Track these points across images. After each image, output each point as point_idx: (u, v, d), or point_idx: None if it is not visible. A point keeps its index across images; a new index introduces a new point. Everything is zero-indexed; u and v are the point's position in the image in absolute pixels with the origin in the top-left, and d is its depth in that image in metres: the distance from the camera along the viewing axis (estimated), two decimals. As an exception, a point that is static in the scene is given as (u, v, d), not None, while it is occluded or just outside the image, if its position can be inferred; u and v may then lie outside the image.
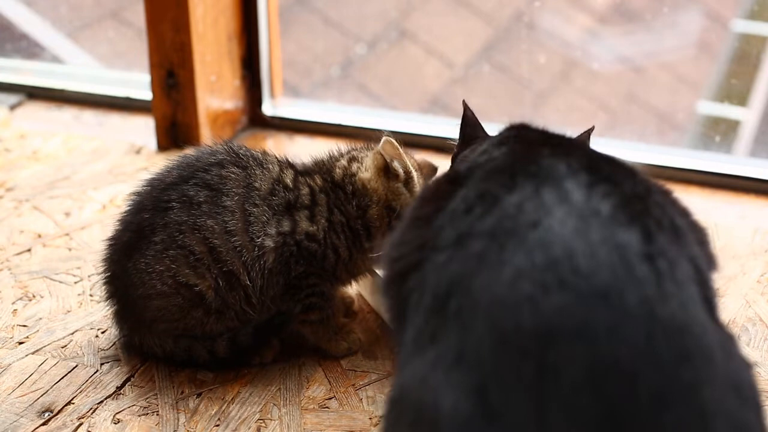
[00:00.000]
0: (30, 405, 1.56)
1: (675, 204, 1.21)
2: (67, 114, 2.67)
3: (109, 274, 1.64)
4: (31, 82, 2.77)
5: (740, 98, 3.51)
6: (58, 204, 2.19)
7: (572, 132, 1.50)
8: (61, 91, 2.73)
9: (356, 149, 1.73)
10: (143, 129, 2.54)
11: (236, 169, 1.60)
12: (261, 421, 1.53)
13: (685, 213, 1.21)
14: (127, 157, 2.42)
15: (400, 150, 1.63)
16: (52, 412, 1.55)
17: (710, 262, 1.19)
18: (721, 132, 3.42)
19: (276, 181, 1.62)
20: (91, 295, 1.84)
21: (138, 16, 2.61)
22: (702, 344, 0.98)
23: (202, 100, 2.39)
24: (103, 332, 1.74)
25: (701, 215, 1.28)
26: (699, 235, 1.20)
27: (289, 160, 1.70)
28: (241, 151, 1.64)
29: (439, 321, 1.03)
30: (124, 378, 1.62)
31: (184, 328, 1.60)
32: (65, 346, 1.70)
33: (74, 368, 1.65)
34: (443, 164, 1.68)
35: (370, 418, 1.53)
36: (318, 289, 1.63)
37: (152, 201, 1.60)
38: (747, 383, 1.02)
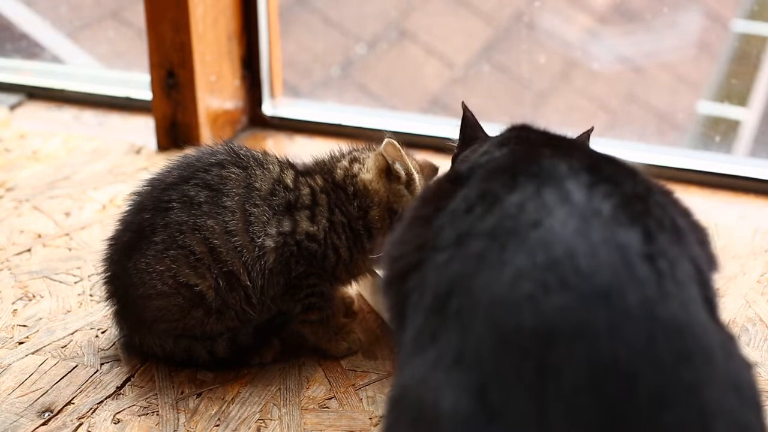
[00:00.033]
0: (30, 405, 1.56)
1: (676, 204, 1.21)
2: (67, 114, 2.67)
3: (109, 274, 1.64)
4: (31, 82, 2.77)
5: (740, 98, 3.51)
6: (58, 204, 2.19)
7: (572, 132, 1.50)
8: (61, 91, 2.73)
9: (358, 150, 1.73)
10: (143, 129, 2.54)
11: (237, 170, 1.60)
12: (261, 421, 1.53)
13: (686, 213, 1.21)
14: (127, 157, 2.42)
15: (402, 152, 1.63)
16: (52, 412, 1.55)
17: (711, 263, 1.19)
18: (721, 132, 3.42)
19: (276, 182, 1.62)
20: (91, 295, 1.84)
21: (138, 16, 2.61)
22: (702, 344, 0.98)
23: (202, 100, 2.39)
24: (103, 332, 1.74)
25: (701, 215, 1.28)
26: (700, 235, 1.20)
27: (290, 160, 1.70)
28: (242, 152, 1.64)
29: (440, 321, 1.03)
30: (124, 378, 1.62)
31: (184, 328, 1.60)
32: (65, 346, 1.70)
33: (74, 368, 1.65)
34: (443, 164, 1.68)
35: (370, 418, 1.53)
36: (318, 289, 1.63)
37: (153, 201, 1.60)
38: (747, 383, 1.02)
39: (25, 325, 1.76)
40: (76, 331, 1.74)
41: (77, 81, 2.77)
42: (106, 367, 1.65)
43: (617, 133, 3.53)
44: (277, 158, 1.68)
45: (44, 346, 1.70)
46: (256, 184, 1.60)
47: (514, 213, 1.06)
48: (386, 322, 1.73)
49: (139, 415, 1.54)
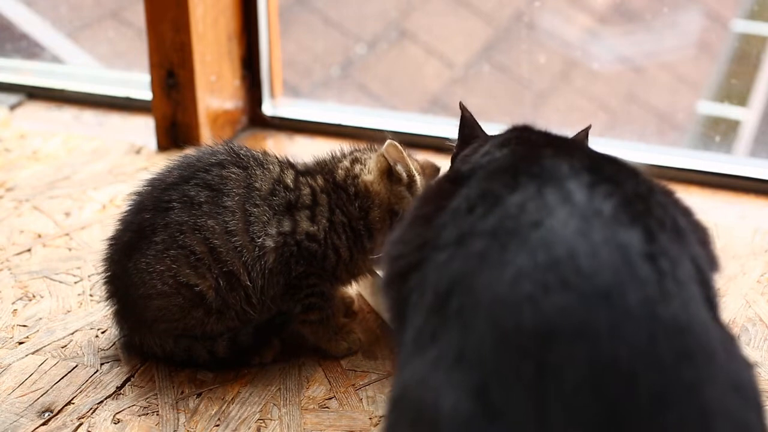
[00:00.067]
0: (30, 405, 1.56)
1: (677, 204, 1.21)
2: (67, 114, 2.67)
3: (109, 273, 1.64)
4: (31, 82, 2.77)
5: (740, 98, 3.51)
6: (58, 204, 2.19)
7: (571, 131, 1.50)
8: (61, 91, 2.73)
9: (359, 150, 1.73)
10: (143, 129, 2.54)
11: (237, 170, 1.60)
12: (261, 421, 1.53)
13: (687, 213, 1.21)
14: (127, 157, 2.42)
15: (404, 153, 1.63)
16: (52, 412, 1.55)
17: (712, 263, 1.19)
18: (721, 132, 3.42)
19: (277, 182, 1.62)
20: (91, 295, 1.84)
21: (138, 16, 2.61)
22: (703, 344, 0.98)
23: (202, 100, 2.39)
24: (103, 332, 1.74)
25: (701, 215, 1.28)
26: (701, 234, 1.20)
27: (290, 160, 1.70)
28: (242, 152, 1.64)
29: (440, 320, 1.03)
30: (124, 378, 1.62)
31: (185, 328, 1.60)
32: (65, 346, 1.70)
33: (74, 368, 1.65)
34: (443, 164, 1.68)
35: (370, 418, 1.53)
36: (318, 289, 1.63)
37: (153, 201, 1.60)
38: (748, 383, 1.02)
39: (25, 325, 1.76)
40: (76, 331, 1.74)
41: (77, 81, 2.77)
42: (106, 367, 1.65)
43: (617, 133, 3.53)
44: (277, 158, 1.68)
45: (44, 346, 1.70)
46: (257, 184, 1.60)
47: (515, 213, 1.06)
48: (386, 322, 1.73)
49: (139, 415, 1.54)
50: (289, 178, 1.63)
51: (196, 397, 1.58)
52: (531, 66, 3.70)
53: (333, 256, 1.62)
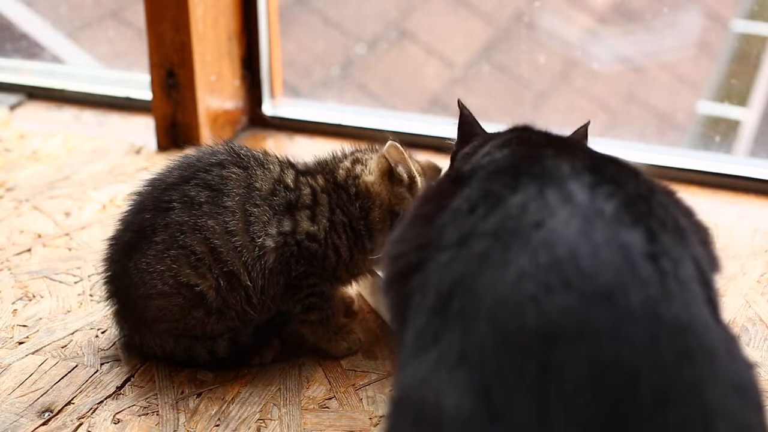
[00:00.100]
0: (30, 405, 1.56)
1: (678, 204, 1.21)
2: (67, 114, 2.67)
3: (109, 273, 1.64)
4: (31, 82, 2.77)
5: (740, 98, 3.51)
6: (58, 204, 2.19)
7: (570, 131, 1.50)
8: (61, 91, 2.73)
9: (360, 151, 1.73)
10: (143, 129, 2.54)
11: (237, 170, 1.60)
12: (261, 421, 1.53)
13: (688, 213, 1.21)
14: (127, 157, 2.42)
15: (405, 154, 1.63)
16: (52, 412, 1.55)
17: (713, 263, 1.19)
18: (721, 132, 3.42)
19: (277, 181, 1.62)
20: (91, 295, 1.84)
21: (138, 16, 2.61)
22: (705, 344, 0.98)
23: (202, 100, 2.39)
24: (103, 332, 1.74)
25: (702, 215, 1.28)
26: (702, 235, 1.20)
27: (290, 160, 1.70)
28: (242, 152, 1.64)
29: (442, 321, 1.03)
30: (124, 378, 1.62)
31: (185, 328, 1.60)
32: (65, 346, 1.70)
33: (74, 368, 1.65)
34: (444, 164, 1.68)
35: (370, 418, 1.53)
36: (318, 289, 1.63)
37: (153, 201, 1.60)
38: (749, 383, 1.02)
39: (25, 325, 1.76)
40: (76, 331, 1.74)
41: (77, 81, 2.76)
42: (106, 367, 1.65)
43: (617, 133, 3.53)
44: (277, 158, 1.68)
45: (44, 346, 1.70)
46: (257, 184, 1.60)
47: (516, 213, 1.06)
48: (386, 322, 1.73)
49: (139, 415, 1.54)
50: (289, 178, 1.63)
51: (196, 397, 1.58)
52: (531, 66, 3.70)
53: (333, 256, 1.62)
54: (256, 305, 1.59)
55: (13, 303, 1.83)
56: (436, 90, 3.83)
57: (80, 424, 1.52)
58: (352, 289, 1.82)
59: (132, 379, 1.62)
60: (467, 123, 1.54)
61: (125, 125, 2.61)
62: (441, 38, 3.99)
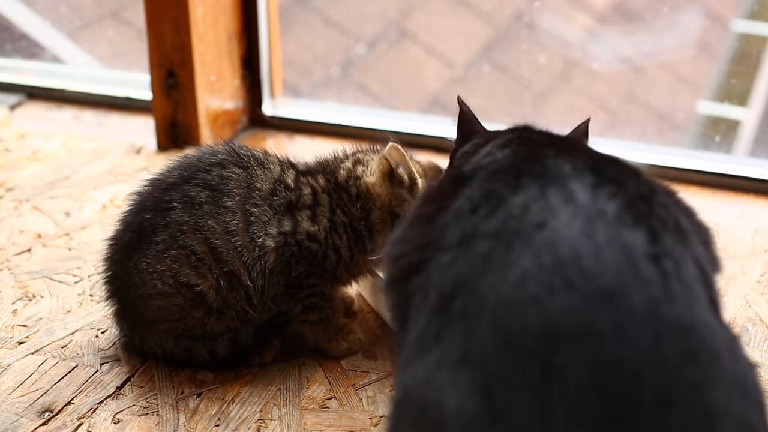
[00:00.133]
0: (30, 405, 1.56)
1: (679, 204, 1.21)
2: (67, 114, 2.67)
3: (109, 273, 1.64)
4: (31, 82, 2.77)
5: (740, 98, 3.51)
6: (58, 204, 2.19)
7: (570, 129, 1.50)
8: (61, 91, 2.73)
9: (361, 151, 1.73)
10: (143, 129, 2.54)
11: (237, 170, 1.60)
12: (261, 421, 1.53)
13: (689, 213, 1.21)
14: (127, 157, 2.42)
15: (406, 156, 1.63)
16: (52, 412, 1.55)
17: (714, 263, 1.19)
18: (721, 132, 3.41)
19: (277, 181, 1.62)
20: (91, 295, 1.84)
21: (138, 16, 2.61)
22: (707, 344, 0.98)
23: (202, 100, 2.39)
24: (103, 332, 1.74)
25: (702, 215, 1.28)
26: (703, 235, 1.20)
27: (291, 160, 1.70)
28: (242, 152, 1.64)
29: (443, 321, 1.03)
30: (124, 378, 1.62)
31: (185, 328, 1.60)
32: (65, 346, 1.70)
33: (74, 368, 1.65)
34: (444, 164, 1.68)
35: (370, 418, 1.53)
36: (318, 290, 1.63)
37: (153, 201, 1.60)
38: (751, 383, 1.02)
39: (25, 325, 1.76)
40: (76, 331, 1.74)
41: (77, 81, 2.76)
42: (106, 367, 1.65)
43: (617, 133, 3.53)
44: (277, 158, 1.68)
45: (44, 346, 1.70)
46: (257, 184, 1.60)
47: (518, 214, 1.06)
48: (386, 322, 1.73)
49: (139, 415, 1.54)
50: (289, 178, 1.63)
51: (196, 397, 1.58)
52: (531, 66, 3.70)
53: (333, 256, 1.62)
54: (257, 305, 1.59)
55: (13, 303, 1.83)
56: (436, 90, 3.83)
57: (80, 424, 1.52)
58: (352, 289, 1.82)
59: (132, 379, 1.62)
60: (467, 120, 1.54)
61: (125, 125, 2.61)
62: (441, 38, 3.99)
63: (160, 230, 1.57)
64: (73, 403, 1.57)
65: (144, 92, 2.60)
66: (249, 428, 1.51)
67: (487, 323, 0.98)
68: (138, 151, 2.44)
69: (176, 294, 1.57)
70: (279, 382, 1.61)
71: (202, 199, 1.57)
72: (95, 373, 1.64)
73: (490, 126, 1.54)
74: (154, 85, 2.40)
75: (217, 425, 1.52)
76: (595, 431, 0.91)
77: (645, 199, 1.11)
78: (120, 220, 1.65)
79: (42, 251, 2.00)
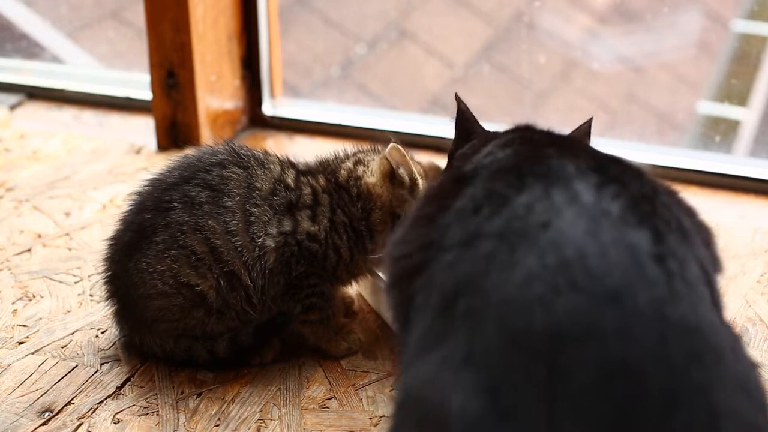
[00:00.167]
0: (30, 405, 1.56)
1: (681, 204, 1.20)
2: (67, 114, 2.67)
3: (109, 273, 1.64)
4: (31, 82, 2.77)
5: (740, 98, 3.51)
6: (58, 204, 2.19)
7: (572, 129, 1.50)
8: (61, 91, 2.73)
9: (362, 152, 1.73)
10: (143, 129, 2.54)
11: (237, 170, 1.60)
12: (261, 421, 1.53)
13: (690, 213, 1.21)
14: (127, 157, 2.42)
15: (407, 156, 1.63)
16: (52, 412, 1.55)
17: (715, 263, 1.19)
18: (721, 132, 3.41)
19: (277, 181, 1.62)
20: (91, 295, 1.84)
21: (138, 16, 2.61)
22: (712, 345, 0.98)
23: (202, 100, 2.39)
24: (103, 332, 1.74)
25: (703, 216, 1.27)
26: (705, 235, 1.20)
27: (291, 159, 1.70)
28: (243, 152, 1.64)
29: (447, 321, 1.03)
30: (124, 378, 1.62)
31: (185, 328, 1.60)
32: (65, 346, 1.70)
33: (74, 368, 1.65)
34: (444, 164, 1.68)
35: (370, 418, 1.53)
36: (318, 290, 1.63)
37: (153, 201, 1.60)
38: (753, 383, 1.02)
39: (25, 325, 1.76)
40: (76, 331, 1.74)
41: (77, 81, 2.76)
42: (106, 367, 1.65)
43: (617, 133, 3.53)
44: (278, 158, 1.68)
45: (44, 346, 1.70)
46: (257, 184, 1.60)
47: (522, 214, 1.06)
48: (386, 322, 1.73)
49: (139, 415, 1.54)
50: (290, 178, 1.63)
51: (196, 397, 1.58)
52: (531, 66, 3.70)
53: (333, 256, 1.62)
54: (257, 305, 1.59)
55: (13, 303, 1.83)
56: (436, 90, 3.83)
57: (80, 424, 1.52)
58: (352, 289, 1.82)
59: (132, 379, 1.62)
60: (465, 119, 1.53)
61: (125, 125, 2.61)
62: (441, 38, 3.99)
63: (160, 230, 1.57)
64: (73, 403, 1.56)
65: (144, 92, 2.60)
66: (249, 428, 1.51)
67: (491, 323, 0.98)
68: (138, 151, 2.44)
69: (176, 294, 1.57)
70: (279, 382, 1.61)
71: (203, 199, 1.57)
72: (95, 373, 1.64)
73: (490, 126, 1.54)
74: (154, 85, 2.40)
75: (217, 425, 1.52)
76: (600, 431, 0.91)
77: (648, 199, 1.11)
78: (120, 220, 1.65)
79: (42, 251, 2.00)
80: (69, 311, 1.80)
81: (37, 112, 2.68)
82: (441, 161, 1.75)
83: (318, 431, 1.50)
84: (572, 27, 3.97)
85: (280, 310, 1.63)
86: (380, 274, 1.71)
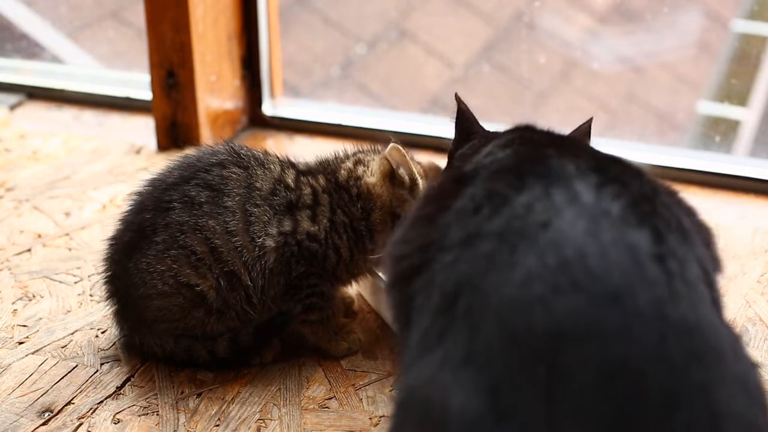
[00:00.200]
0: (30, 405, 1.56)
1: (681, 204, 1.20)
2: (67, 114, 2.67)
3: (109, 273, 1.64)
4: (31, 82, 2.77)
5: (740, 98, 3.51)
6: (58, 204, 2.19)
7: (572, 129, 1.50)
8: (61, 91, 2.73)
9: (362, 152, 1.73)
10: (143, 129, 2.54)
11: (237, 170, 1.60)
12: (261, 421, 1.53)
13: (690, 213, 1.21)
14: (127, 157, 2.42)
15: (407, 156, 1.63)
16: (52, 412, 1.55)
17: (715, 263, 1.19)
18: (721, 132, 3.41)
19: (277, 181, 1.62)
20: (91, 295, 1.84)
21: (138, 16, 2.61)
22: (712, 344, 0.98)
23: (202, 100, 2.39)
24: (103, 332, 1.74)
25: (703, 215, 1.27)
26: (705, 235, 1.20)
27: (291, 159, 1.70)
28: (243, 152, 1.64)
29: (447, 321, 1.03)
30: (124, 378, 1.62)
31: (185, 328, 1.60)
32: (65, 346, 1.70)
33: (74, 368, 1.65)
34: (444, 164, 1.68)
35: (370, 418, 1.53)
36: (318, 290, 1.63)
37: (153, 201, 1.60)
38: (754, 383, 1.02)
39: (25, 325, 1.76)
40: (76, 331, 1.74)
41: (77, 81, 2.76)
42: (106, 367, 1.65)
43: (617, 133, 3.53)
44: (278, 158, 1.68)
45: (44, 346, 1.70)
46: (257, 184, 1.60)
47: (522, 213, 1.06)
48: (386, 322, 1.73)
49: (139, 415, 1.54)
50: (290, 178, 1.63)
51: (196, 397, 1.58)
52: (531, 66, 3.70)
53: (333, 256, 1.62)
54: (257, 305, 1.59)
55: (13, 303, 1.83)
56: (436, 90, 3.83)
57: (80, 424, 1.52)
58: (352, 289, 1.82)
59: (132, 379, 1.62)
60: (465, 119, 1.53)
61: (125, 125, 2.61)
62: (441, 38, 3.99)
63: (160, 230, 1.57)
64: (73, 403, 1.57)
65: (144, 92, 2.60)
66: (249, 428, 1.51)
67: (491, 323, 0.98)
68: (138, 151, 2.44)
69: (176, 294, 1.57)
70: (279, 382, 1.61)
71: (203, 199, 1.57)
72: (95, 373, 1.64)
73: (490, 126, 1.54)
74: (154, 85, 2.40)
75: (217, 425, 1.52)
76: (600, 431, 0.91)
77: (648, 199, 1.11)
78: (120, 220, 1.65)
79: (42, 251, 2.00)
80: (69, 311, 1.80)
81: (37, 112, 2.68)
82: (441, 161, 1.75)
83: (318, 431, 1.50)
84: (572, 27, 3.97)
85: (280, 310, 1.63)
86: (380, 274, 1.71)
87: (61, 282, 1.89)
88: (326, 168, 1.69)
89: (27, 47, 3.22)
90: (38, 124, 2.60)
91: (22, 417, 1.53)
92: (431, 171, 1.72)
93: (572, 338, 0.94)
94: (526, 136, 1.34)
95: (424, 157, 1.82)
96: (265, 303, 1.60)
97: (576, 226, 1.02)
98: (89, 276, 1.89)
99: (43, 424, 1.52)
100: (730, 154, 3.21)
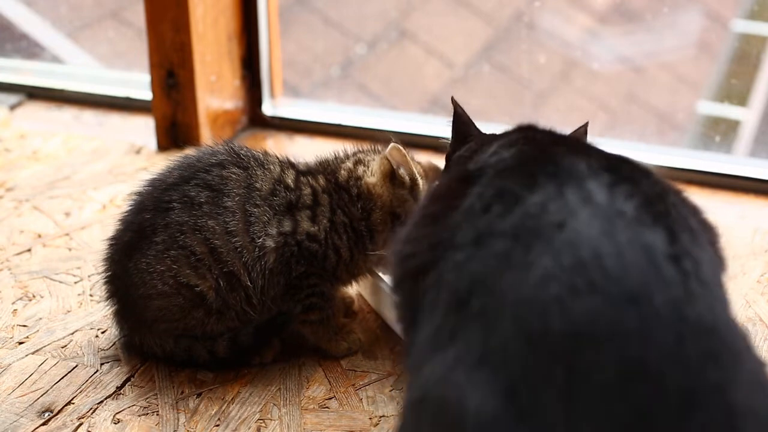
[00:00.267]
0: (30, 405, 1.56)
1: (686, 203, 1.20)
2: (67, 114, 2.67)
3: (109, 273, 1.64)
4: (31, 82, 2.77)
5: (740, 98, 3.51)
6: (58, 204, 2.19)
7: (570, 130, 1.50)
8: (61, 91, 2.73)
9: (362, 152, 1.73)
10: (143, 129, 2.54)
11: (237, 170, 1.60)
12: (261, 421, 1.53)
13: (695, 212, 1.21)
14: (127, 157, 2.42)
15: (407, 156, 1.63)
16: (52, 412, 1.55)
17: (720, 262, 1.19)
18: (721, 132, 3.41)
19: (277, 182, 1.62)
20: (91, 295, 1.84)
21: (138, 16, 2.61)
22: (728, 344, 0.98)
23: (202, 100, 2.39)
24: (103, 332, 1.74)
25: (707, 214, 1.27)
26: (710, 234, 1.20)
27: (291, 160, 1.70)
28: (242, 152, 1.64)
29: (459, 320, 1.02)
30: (124, 378, 1.62)
31: (185, 328, 1.60)
32: (65, 346, 1.70)
33: (74, 368, 1.65)
34: (443, 165, 1.68)
35: (370, 418, 1.53)
36: (318, 290, 1.63)
37: (153, 201, 1.60)
38: (766, 382, 1.02)
39: (25, 325, 1.76)
40: (76, 331, 1.74)
41: (77, 81, 2.76)
42: (106, 367, 1.65)
43: (617, 133, 3.53)
44: (277, 158, 1.68)
45: (44, 346, 1.70)
46: (257, 185, 1.60)
47: (536, 213, 1.05)
48: (386, 322, 1.73)
49: (139, 415, 1.54)
50: (289, 178, 1.63)
51: (196, 397, 1.58)
52: (531, 66, 3.70)
53: (333, 256, 1.62)
54: (256, 305, 1.59)
55: (13, 303, 1.83)
56: (436, 90, 3.83)
57: (80, 424, 1.52)
58: (352, 289, 1.82)
59: (132, 379, 1.62)
60: (462, 122, 1.53)
61: (125, 125, 2.61)
62: (441, 38, 3.99)
63: (160, 230, 1.57)
64: (73, 403, 1.57)
65: (144, 92, 2.60)
66: (249, 428, 1.51)
67: (507, 323, 0.97)
68: (138, 151, 2.44)
69: (176, 294, 1.57)
70: (279, 382, 1.61)
71: (202, 200, 1.57)
72: (95, 373, 1.64)
73: (489, 127, 1.54)
74: (154, 85, 2.40)
75: (217, 425, 1.52)
76: None
77: (660, 199, 1.11)
78: (120, 220, 1.65)
79: (42, 251, 2.00)
80: (69, 311, 1.80)
81: (37, 112, 2.68)
82: (441, 161, 1.75)
83: (318, 431, 1.50)
84: (572, 27, 3.97)
85: (280, 310, 1.63)
86: (380, 274, 1.71)
87: (61, 282, 1.89)
88: (326, 168, 1.69)
89: (27, 47, 3.22)
90: (38, 124, 2.60)
91: (22, 417, 1.53)
92: (431, 171, 1.72)
93: (590, 339, 0.94)
94: (529, 136, 1.34)
95: (424, 157, 1.82)
96: (265, 303, 1.60)
97: (591, 227, 1.02)
98: (89, 276, 1.89)
99: (43, 424, 1.52)
100: (730, 154, 3.21)
